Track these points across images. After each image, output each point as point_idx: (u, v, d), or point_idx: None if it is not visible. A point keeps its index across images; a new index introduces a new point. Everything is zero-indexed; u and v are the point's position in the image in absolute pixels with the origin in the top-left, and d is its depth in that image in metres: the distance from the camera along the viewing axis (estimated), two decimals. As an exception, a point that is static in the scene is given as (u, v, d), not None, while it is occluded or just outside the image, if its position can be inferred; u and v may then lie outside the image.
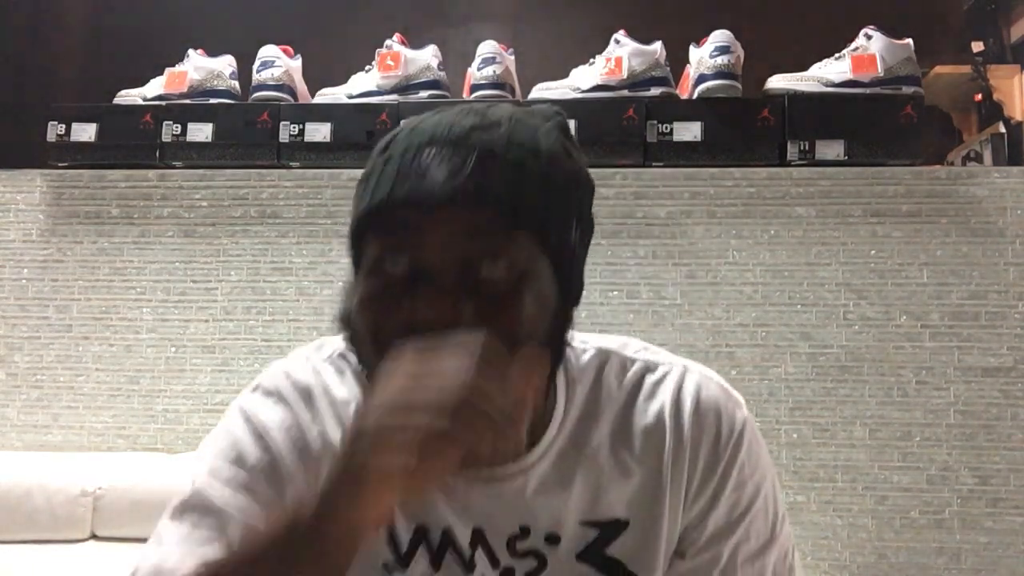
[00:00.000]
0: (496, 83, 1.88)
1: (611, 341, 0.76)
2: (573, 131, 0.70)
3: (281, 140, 1.88)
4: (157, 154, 1.92)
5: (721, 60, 1.80)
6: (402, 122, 0.71)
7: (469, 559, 0.69)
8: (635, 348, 0.75)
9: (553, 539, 0.68)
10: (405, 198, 0.58)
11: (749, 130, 1.79)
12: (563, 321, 0.65)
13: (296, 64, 2.00)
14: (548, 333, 0.62)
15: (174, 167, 1.92)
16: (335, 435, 0.69)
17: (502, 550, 0.68)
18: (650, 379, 0.72)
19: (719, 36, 1.82)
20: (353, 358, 0.70)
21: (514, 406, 0.54)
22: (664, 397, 0.71)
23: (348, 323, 0.63)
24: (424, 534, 0.69)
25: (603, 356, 0.73)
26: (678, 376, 0.72)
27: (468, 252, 0.59)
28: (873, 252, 1.75)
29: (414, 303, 0.58)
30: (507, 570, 0.68)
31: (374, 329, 0.60)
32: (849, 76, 1.81)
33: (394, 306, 0.59)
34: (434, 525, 0.69)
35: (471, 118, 0.62)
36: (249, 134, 1.89)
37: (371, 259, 0.61)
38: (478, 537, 0.68)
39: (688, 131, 1.80)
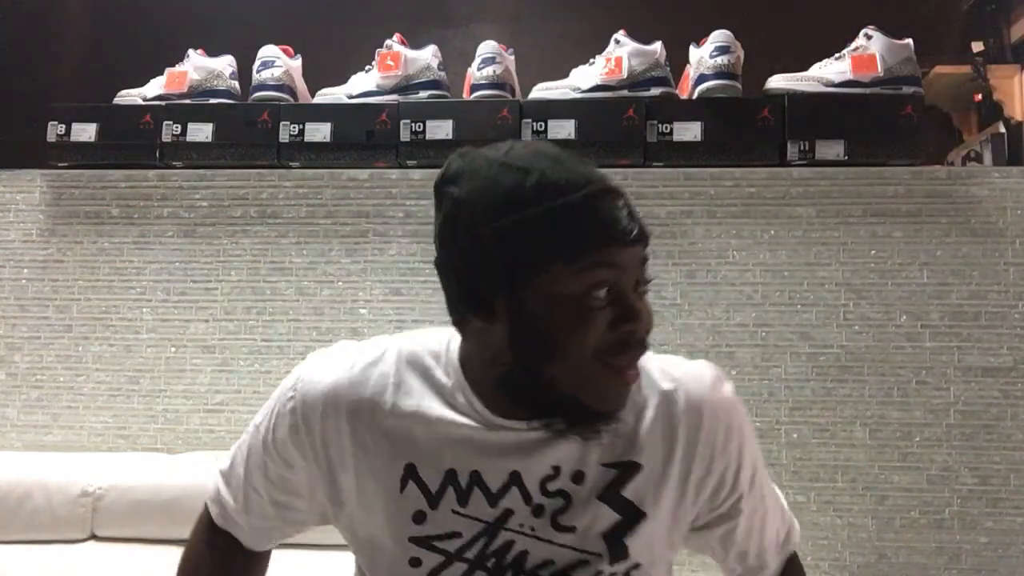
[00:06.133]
0: (496, 83, 1.87)
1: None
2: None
3: (281, 140, 1.88)
4: (157, 154, 1.92)
5: (721, 60, 1.80)
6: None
7: (496, 494, 0.79)
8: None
9: (578, 478, 0.80)
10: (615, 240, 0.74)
11: (749, 130, 1.79)
12: None
13: (296, 64, 2.00)
14: None
15: (174, 167, 1.93)
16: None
17: (535, 489, 0.79)
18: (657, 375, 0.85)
19: (719, 36, 1.82)
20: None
21: None
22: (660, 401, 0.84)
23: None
24: (453, 476, 0.80)
25: None
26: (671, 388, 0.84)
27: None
28: (873, 252, 1.75)
29: (635, 303, 0.75)
30: (538, 507, 0.80)
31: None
32: (849, 76, 1.81)
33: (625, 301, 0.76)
34: (462, 469, 0.80)
35: (575, 163, 0.77)
36: (249, 134, 1.89)
37: (596, 278, 0.74)
38: (514, 478, 0.79)
39: (688, 131, 1.80)
